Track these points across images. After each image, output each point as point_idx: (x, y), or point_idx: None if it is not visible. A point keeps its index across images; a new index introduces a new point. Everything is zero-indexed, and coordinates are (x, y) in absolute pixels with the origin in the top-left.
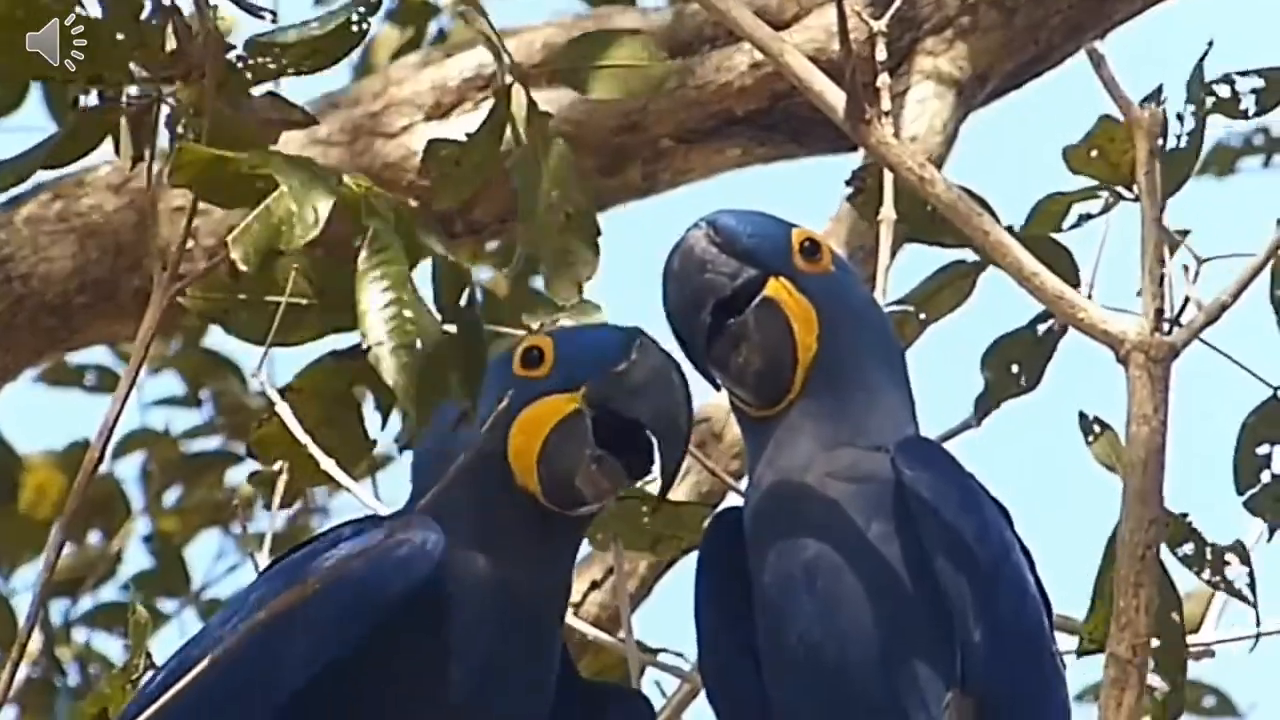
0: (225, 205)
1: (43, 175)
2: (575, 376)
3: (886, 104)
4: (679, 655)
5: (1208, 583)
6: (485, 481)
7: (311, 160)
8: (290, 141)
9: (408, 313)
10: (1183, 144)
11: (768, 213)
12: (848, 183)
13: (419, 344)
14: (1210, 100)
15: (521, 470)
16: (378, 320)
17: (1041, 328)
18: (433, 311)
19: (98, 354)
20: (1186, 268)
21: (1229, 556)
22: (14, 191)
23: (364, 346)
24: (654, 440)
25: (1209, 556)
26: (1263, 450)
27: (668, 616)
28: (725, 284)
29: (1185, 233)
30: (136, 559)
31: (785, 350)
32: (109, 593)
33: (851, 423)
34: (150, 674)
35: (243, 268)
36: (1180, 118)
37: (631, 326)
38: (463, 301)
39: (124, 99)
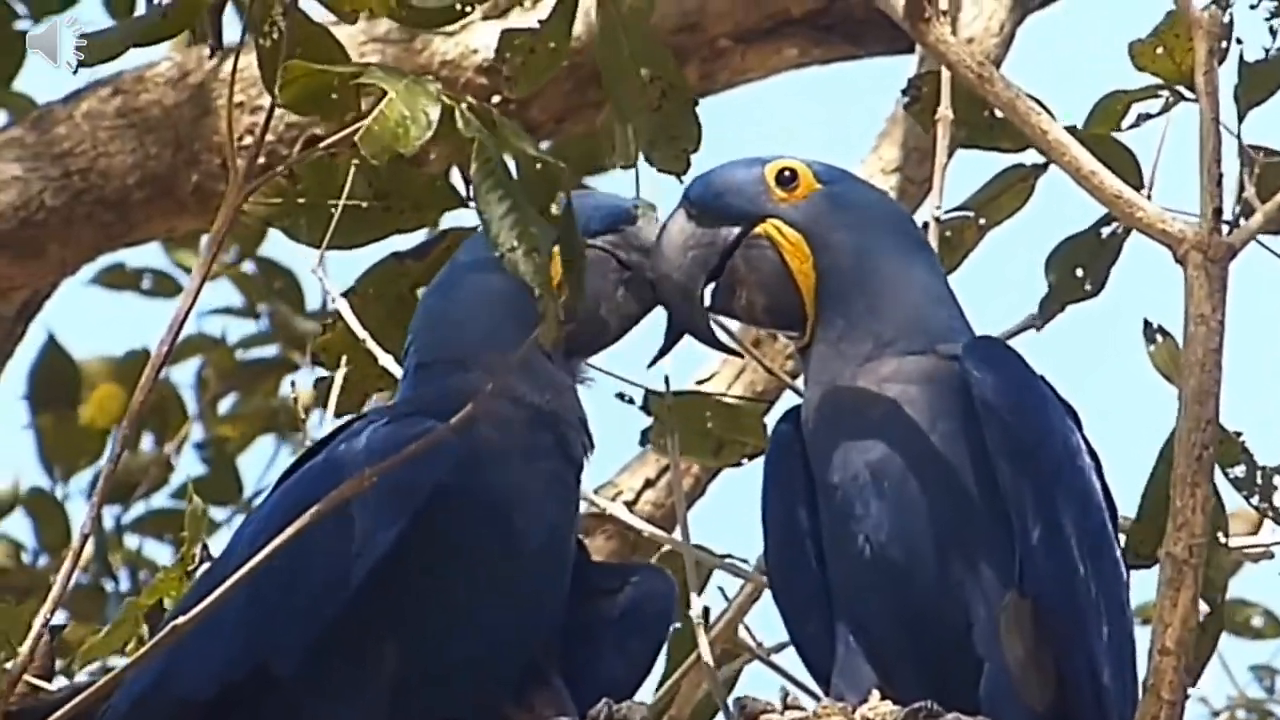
0: (323, 116)
1: (102, 70)
2: (590, 228)
3: (944, 3)
4: (743, 561)
5: (1255, 508)
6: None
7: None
8: (347, 40)
9: (528, 217)
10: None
11: (741, 159)
12: (904, 91)
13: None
14: None
15: None
16: (504, 228)
17: (1105, 230)
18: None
19: (151, 258)
20: (1251, 169)
21: (1277, 480)
22: (74, 86)
23: (497, 254)
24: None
25: (1259, 481)
26: None
27: (723, 515)
28: (712, 255)
29: (1242, 141)
30: (188, 466)
31: (784, 283)
32: (160, 500)
33: (880, 331)
34: (206, 565)
35: (374, 164)
36: (1273, 31)
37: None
38: (557, 203)
39: None
